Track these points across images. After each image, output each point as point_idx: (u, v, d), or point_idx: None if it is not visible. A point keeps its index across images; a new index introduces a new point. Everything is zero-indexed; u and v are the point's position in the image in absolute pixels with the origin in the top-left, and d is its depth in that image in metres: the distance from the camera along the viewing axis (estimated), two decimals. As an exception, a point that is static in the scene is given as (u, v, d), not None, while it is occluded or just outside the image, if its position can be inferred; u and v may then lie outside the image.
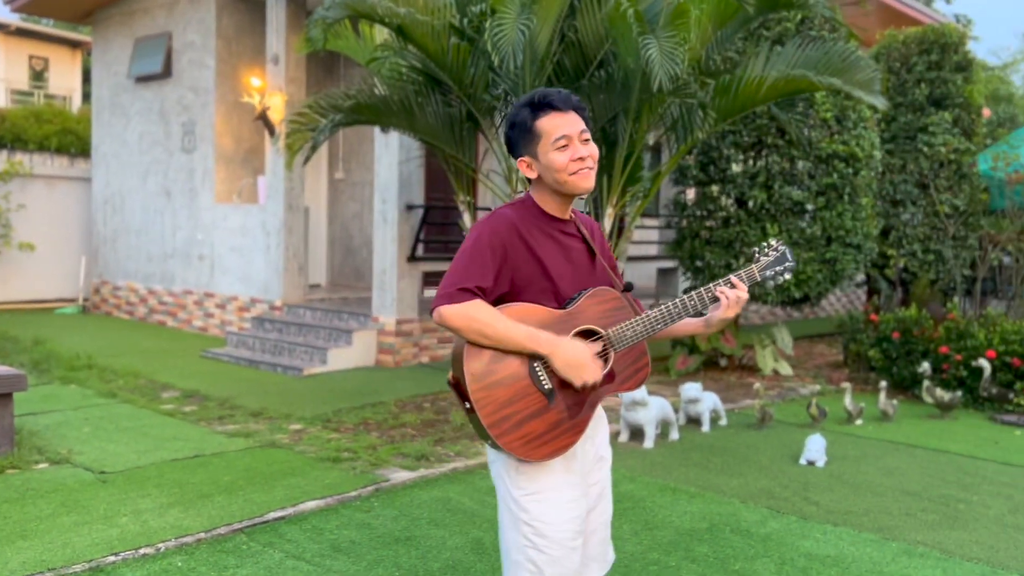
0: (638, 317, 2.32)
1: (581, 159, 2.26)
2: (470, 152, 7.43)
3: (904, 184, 10.28)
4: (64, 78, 26.50)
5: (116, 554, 3.87)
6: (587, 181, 2.27)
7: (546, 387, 2.22)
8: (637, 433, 6.21)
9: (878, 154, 8.79)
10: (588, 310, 2.30)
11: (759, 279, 2.42)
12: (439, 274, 10.78)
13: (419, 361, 8.86)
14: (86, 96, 25.85)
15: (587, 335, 2.31)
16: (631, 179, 7.13)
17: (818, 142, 8.30)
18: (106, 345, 9.48)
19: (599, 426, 2.49)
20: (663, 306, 2.33)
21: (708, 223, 8.79)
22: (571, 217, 2.39)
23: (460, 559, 3.95)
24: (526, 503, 2.27)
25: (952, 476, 5.51)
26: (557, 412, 2.24)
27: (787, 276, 2.44)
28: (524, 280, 2.25)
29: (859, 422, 6.95)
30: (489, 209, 9.76)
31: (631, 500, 4.83)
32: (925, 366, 7.39)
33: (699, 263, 8.86)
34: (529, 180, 2.36)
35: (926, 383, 7.28)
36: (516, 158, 2.35)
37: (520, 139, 2.32)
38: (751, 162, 8.62)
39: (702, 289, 2.36)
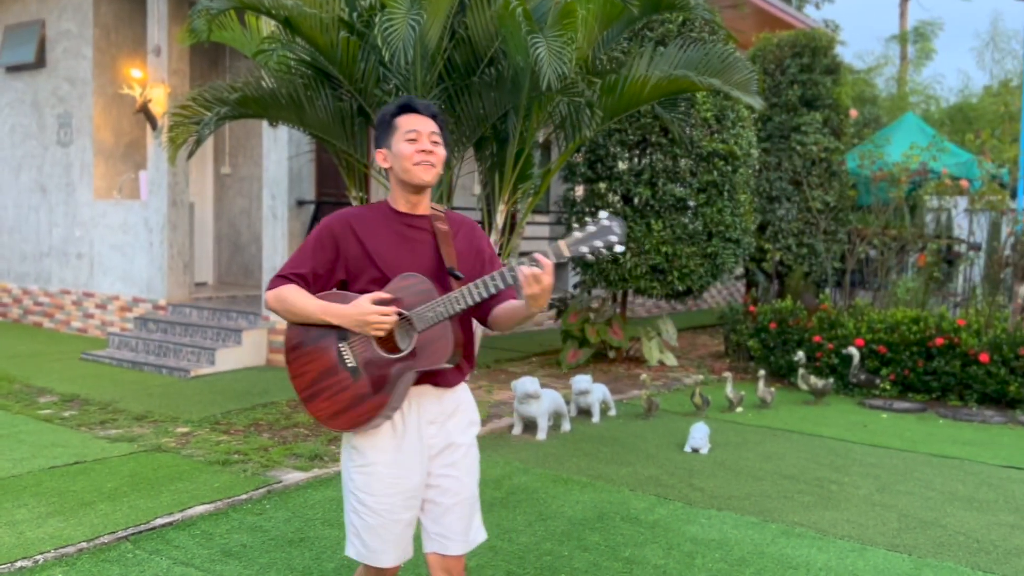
0: (437, 299, 2.44)
1: (425, 151, 2.51)
2: (362, 147, 7.38)
3: (779, 181, 10.75)
4: (-79, 64, 24.73)
5: (-9, 568, 3.71)
6: (427, 174, 2.51)
7: (350, 365, 2.49)
8: (530, 425, 6.32)
9: (755, 152, 9.17)
10: (396, 290, 2.47)
11: (567, 255, 2.35)
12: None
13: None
14: (-54, 83, 24.22)
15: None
16: (522, 176, 7.23)
17: (699, 141, 8.60)
18: (-26, 349, 8.98)
19: (454, 414, 2.64)
20: (464, 288, 2.43)
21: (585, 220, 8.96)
22: (429, 214, 2.61)
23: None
24: (354, 474, 2.56)
25: (825, 459, 5.83)
26: (361, 387, 2.47)
27: (616, 249, 2.36)
28: (356, 268, 2.53)
29: (740, 409, 7.26)
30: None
31: (525, 492, 4.92)
32: (800, 355, 7.78)
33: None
34: (387, 176, 2.63)
35: (801, 371, 7.67)
36: (377, 150, 2.60)
37: (382, 133, 2.59)
38: (636, 160, 8.85)
39: (504, 269, 2.42)
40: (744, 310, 9.20)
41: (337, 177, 8.65)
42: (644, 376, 6.99)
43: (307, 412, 2.55)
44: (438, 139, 2.55)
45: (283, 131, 8.28)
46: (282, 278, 2.53)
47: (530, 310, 2.44)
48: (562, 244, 2.37)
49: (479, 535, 2.70)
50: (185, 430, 6.06)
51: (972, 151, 12.67)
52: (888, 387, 7.82)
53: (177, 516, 4.37)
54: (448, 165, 7.35)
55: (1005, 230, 9.53)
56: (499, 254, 7.33)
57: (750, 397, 7.65)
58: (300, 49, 6.92)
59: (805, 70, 10.86)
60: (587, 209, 9.07)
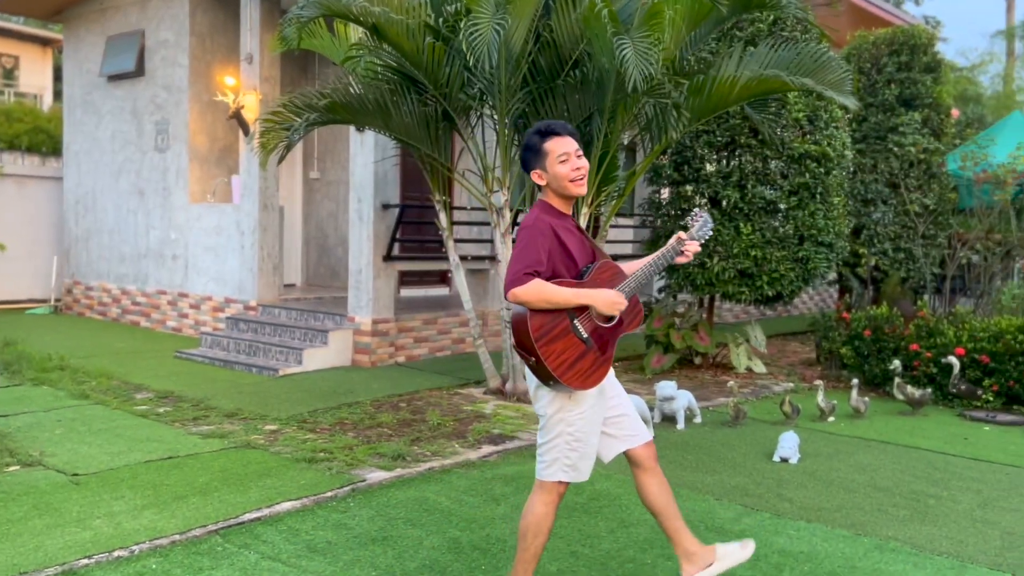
0: (631, 276, 3.24)
1: (578, 169, 3.18)
2: (446, 151, 7.43)
3: (875, 183, 10.40)
4: (35, 76, 26.14)
5: (89, 557, 3.84)
6: (582, 188, 3.22)
7: (584, 336, 3.13)
8: (613, 431, 6.24)
9: (849, 154, 8.89)
10: (598, 277, 3.21)
11: (696, 238, 3.35)
12: (416, 273, 10.78)
13: (395, 361, 8.85)
14: (57, 94, 25.51)
15: None
16: (606, 178, 7.16)
17: (790, 142, 8.38)
18: (78, 346, 9.38)
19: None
20: (644, 267, 3.27)
21: (682, 222, 8.84)
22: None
23: (437, 559, 3.96)
24: (574, 420, 3.20)
25: (923, 472, 5.59)
26: (594, 352, 3.16)
27: (710, 233, 3.40)
28: (558, 260, 3.15)
29: (831, 419, 7.03)
30: (464, 208, 9.77)
31: (606, 498, 4.85)
32: (896, 363, 7.49)
33: (674, 262, 8.90)
34: (539, 188, 3.26)
35: (897, 380, 7.38)
36: (529, 172, 3.24)
37: (533, 157, 3.22)
38: (724, 162, 8.68)
39: (669, 246, 3.27)
40: (837, 317, 8.92)
41: (421, 181, 8.73)
42: (731, 383, 6.83)
43: (563, 383, 3.08)
44: (581, 153, 3.22)
45: (369, 136, 8.41)
46: (528, 275, 3.06)
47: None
48: (693, 231, 3.34)
49: (648, 433, 3.47)
50: (273, 428, 6.20)
51: (1084, 151, 11.97)
52: (991, 398, 7.46)
53: (265, 512, 4.45)
54: (532, 168, 7.34)
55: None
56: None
57: (842, 407, 7.41)
58: (387, 55, 7.01)
59: (903, 68, 10.49)
60: (672, 212, 8.94)
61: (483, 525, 4.37)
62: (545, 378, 3.11)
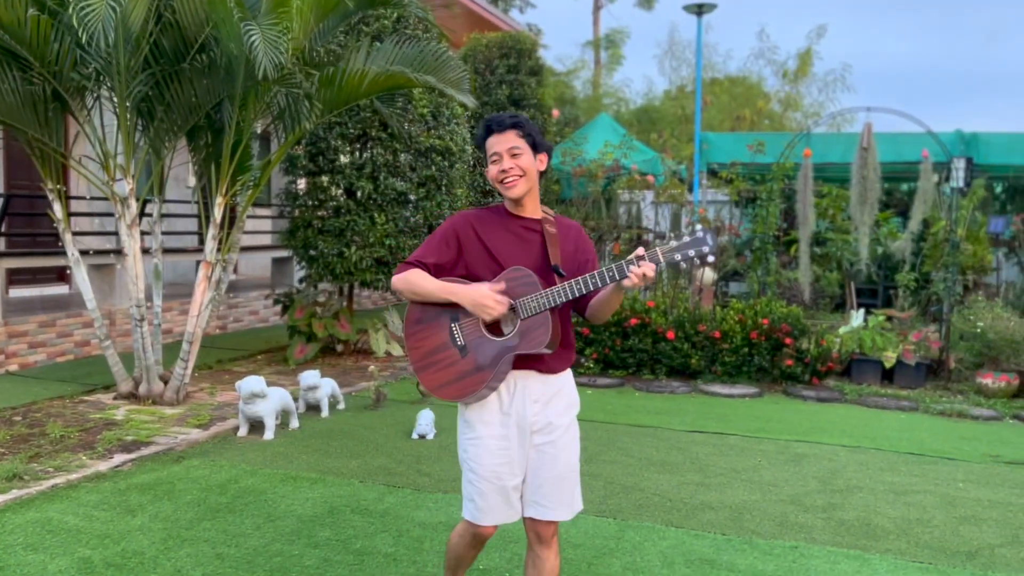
0: (542, 291, 2.75)
1: (503, 171, 2.81)
2: (58, 135, 6.78)
3: (494, 175, 11.30)
4: None
5: None
6: (510, 190, 2.82)
7: (459, 343, 2.83)
8: (257, 426, 6.20)
9: (469, 148, 9.59)
10: (504, 281, 2.79)
11: (663, 261, 2.62)
12: (28, 271, 9.67)
13: (5, 370, 7.88)
14: None
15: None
16: (241, 168, 7.03)
17: (417, 136, 8.84)
18: None
19: (555, 396, 2.92)
20: (566, 283, 2.73)
21: (320, 213, 8.93)
22: (541, 217, 2.92)
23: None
24: (467, 446, 2.89)
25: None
26: (467, 364, 2.81)
27: (708, 259, 2.59)
28: (476, 262, 2.85)
29: (463, 395, 7.58)
30: (84, 198, 8.97)
31: (252, 494, 4.84)
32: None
33: (312, 252, 8.98)
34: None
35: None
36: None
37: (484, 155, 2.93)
38: (358, 154, 8.92)
39: (603, 270, 2.69)
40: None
41: (31, 168, 7.85)
42: (372, 367, 7.10)
43: (419, 381, 2.87)
44: (518, 151, 2.82)
45: (-41, 115, 7.36)
46: (409, 264, 2.86)
47: (620, 294, 2.79)
48: (659, 251, 2.64)
49: (577, 505, 2.98)
50: None
51: (656, 149, 14.04)
52: (592, 365, 8.55)
53: None
54: (158, 155, 6.97)
55: (684, 220, 10.72)
56: (218, 249, 7.08)
57: (472, 382, 8.00)
58: (-21, 26, 6.21)
59: (512, 71, 11.49)
60: (309, 202, 8.99)
61: (117, 540, 4.14)
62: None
